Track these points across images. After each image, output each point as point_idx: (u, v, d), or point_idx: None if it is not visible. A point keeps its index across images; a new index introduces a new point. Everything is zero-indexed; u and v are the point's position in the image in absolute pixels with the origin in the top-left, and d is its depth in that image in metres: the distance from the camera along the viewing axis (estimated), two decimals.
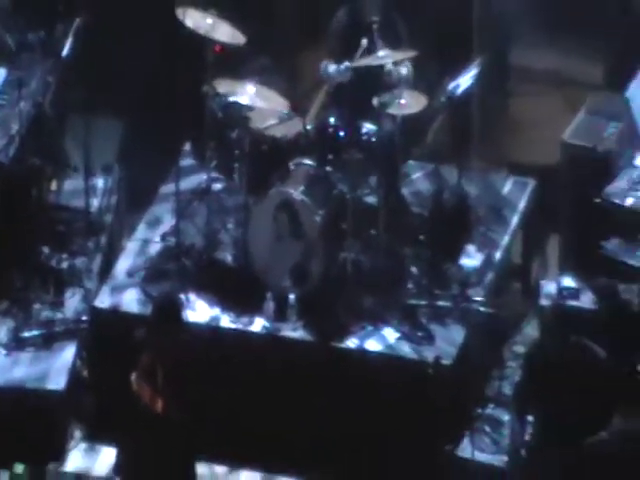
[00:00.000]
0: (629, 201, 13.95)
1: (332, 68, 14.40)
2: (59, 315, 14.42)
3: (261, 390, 13.94)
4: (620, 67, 15.03)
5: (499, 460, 13.33)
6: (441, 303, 14.23)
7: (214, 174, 14.66)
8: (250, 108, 14.38)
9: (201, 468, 13.18)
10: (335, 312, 14.08)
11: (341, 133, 14.29)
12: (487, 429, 13.68)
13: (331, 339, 13.96)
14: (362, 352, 13.93)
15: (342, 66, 14.39)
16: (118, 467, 12.86)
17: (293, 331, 14.04)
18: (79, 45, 14.77)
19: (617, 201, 13.99)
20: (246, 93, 14.44)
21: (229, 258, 14.41)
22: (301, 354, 14.01)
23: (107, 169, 15.28)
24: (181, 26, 14.41)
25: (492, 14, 15.27)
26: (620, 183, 14.06)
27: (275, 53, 15.00)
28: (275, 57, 14.92)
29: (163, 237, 14.72)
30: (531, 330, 14.09)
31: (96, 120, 15.15)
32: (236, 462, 14.02)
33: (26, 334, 14.26)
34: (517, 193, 15.24)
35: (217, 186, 14.71)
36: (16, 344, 14.23)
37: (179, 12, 14.37)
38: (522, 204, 15.17)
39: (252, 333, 14.07)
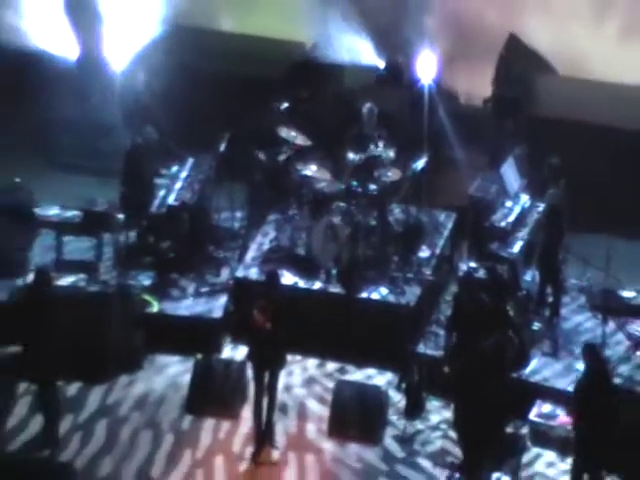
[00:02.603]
0: (502, 224, 13.87)
1: (352, 158, 14.37)
2: (218, 280, 14.25)
3: (319, 318, 13.75)
4: (496, 158, 14.83)
5: (439, 354, 13.13)
6: (409, 275, 14.12)
7: (294, 211, 14.45)
8: (313, 177, 14.27)
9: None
10: (355, 279, 13.95)
11: (358, 190, 14.16)
12: (432, 338, 13.51)
13: (354, 292, 13.90)
14: (369, 299, 13.88)
15: (357, 156, 14.31)
16: (249, 356, 12.79)
17: (335, 289, 13.95)
18: (227, 152, 14.43)
19: (496, 224, 13.89)
20: (311, 170, 14.31)
21: (302, 252, 14.25)
22: (339, 300, 13.89)
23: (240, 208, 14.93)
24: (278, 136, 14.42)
25: (434, 131, 15.01)
26: (498, 215, 13.98)
27: (325, 150, 14.73)
28: (325, 152, 14.67)
29: (270, 242, 14.55)
30: (454, 288, 13.85)
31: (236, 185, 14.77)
32: (305, 353, 13.73)
33: (202, 290, 14.11)
34: (447, 220, 14.98)
35: (296, 216, 14.43)
36: (197, 294, 14.06)
37: (278, 130, 14.38)
38: (450, 225, 14.91)
39: (314, 289, 13.96)
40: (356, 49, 16.03)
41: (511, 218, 13.95)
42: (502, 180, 14.22)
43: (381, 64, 16.14)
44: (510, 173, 14.31)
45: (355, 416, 12.88)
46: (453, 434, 12.72)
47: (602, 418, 11.58)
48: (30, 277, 13.07)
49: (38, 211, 14.23)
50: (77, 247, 14.24)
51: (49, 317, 12.28)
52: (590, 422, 11.62)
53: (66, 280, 13.82)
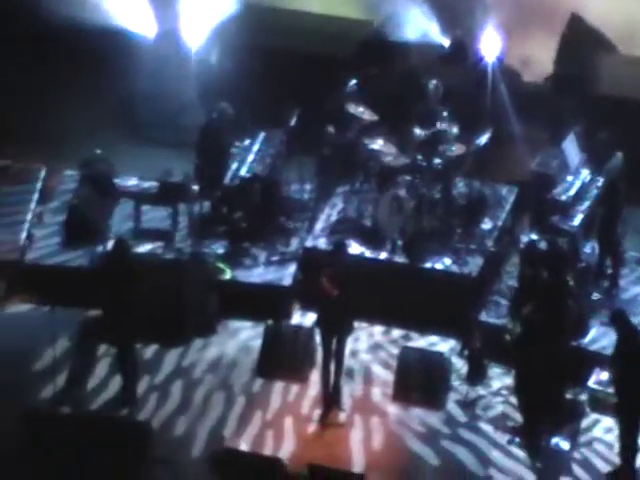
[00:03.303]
0: (563, 198, 13.80)
1: (417, 133, 14.26)
2: (288, 249, 14.17)
3: (384, 287, 13.59)
4: (557, 135, 14.63)
5: (501, 322, 13.15)
6: (471, 246, 14.01)
7: (361, 184, 14.36)
8: (380, 151, 14.18)
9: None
10: (419, 249, 13.85)
11: (423, 164, 14.07)
12: (494, 307, 13.46)
13: (419, 262, 13.82)
14: (433, 269, 13.79)
15: (422, 131, 14.17)
16: (317, 322, 12.75)
17: (400, 258, 13.87)
18: (297, 126, 14.28)
19: (557, 198, 13.79)
20: (378, 144, 14.21)
21: (369, 223, 14.19)
22: (404, 270, 13.79)
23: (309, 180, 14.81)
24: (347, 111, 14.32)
25: (497, 107, 14.78)
26: (559, 189, 13.90)
27: (391, 125, 14.49)
28: (391, 127, 14.46)
29: (338, 213, 14.48)
30: (515, 259, 13.82)
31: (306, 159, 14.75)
32: (371, 320, 13.56)
33: (272, 258, 14.07)
34: (509, 194, 14.77)
35: (363, 189, 14.38)
36: (268, 263, 14.01)
37: (347, 105, 14.31)
38: (511, 199, 14.71)
39: (380, 259, 13.87)
40: (422, 27, 15.84)
41: (572, 192, 13.85)
42: (563, 155, 14.08)
43: (446, 42, 15.93)
44: (571, 149, 14.16)
45: (419, 381, 12.84)
46: (514, 400, 12.63)
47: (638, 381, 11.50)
48: (110, 244, 13.15)
49: (118, 182, 14.27)
50: (154, 216, 14.24)
51: (128, 283, 12.34)
52: (628, 386, 11.57)
53: (143, 247, 13.83)
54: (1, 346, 12.92)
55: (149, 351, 13.20)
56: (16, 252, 13.87)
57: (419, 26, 15.85)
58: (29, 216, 14.26)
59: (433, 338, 13.61)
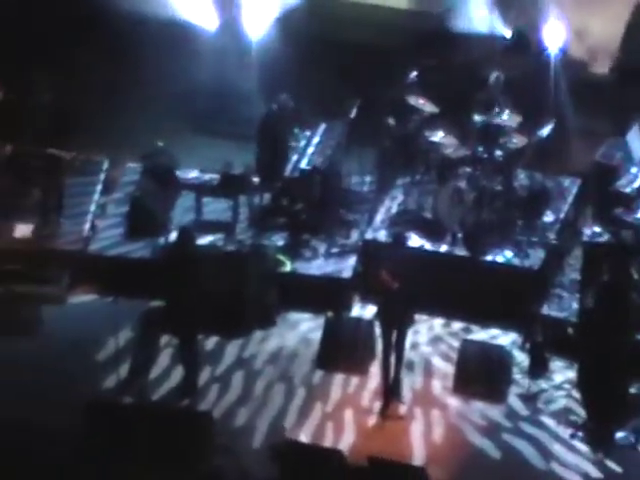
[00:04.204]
0: (627, 190, 13.63)
1: (477, 119, 14.12)
2: (348, 241, 14.08)
3: (445, 280, 13.45)
4: (621, 126, 14.44)
5: (561, 315, 13.12)
6: (533, 239, 13.87)
7: (422, 176, 14.29)
8: (440, 143, 14.11)
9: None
10: (480, 242, 13.75)
11: (484, 155, 13.95)
12: (556, 300, 13.33)
13: (479, 255, 13.73)
14: (494, 262, 13.69)
15: (482, 118, 14.03)
16: (377, 314, 12.68)
17: (461, 251, 13.79)
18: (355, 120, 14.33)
19: (621, 190, 13.65)
20: (438, 136, 14.13)
21: (429, 215, 14.12)
22: (464, 262, 13.71)
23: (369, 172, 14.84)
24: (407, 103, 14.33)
25: (560, 98, 14.67)
26: (623, 181, 13.74)
27: (452, 117, 14.35)
28: (452, 119, 14.29)
29: (398, 205, 14.40)
30: (578, 252, 13.72)
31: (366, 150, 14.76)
32: (431, 312, 13.47)
33: (332, 250, 14.05)
34: (572, 185, 14.60)
35: (423, 181, 14.31)
36: (328, 255, 13.98)
37: (407, 97, 14.29)
38: (574, 191, 14.56)
39: (440, 252, 13.81)
40: (483, 18, 15.67)
41: (636, 184, 13.67)
42: (627, 147, 13.91)
43: (508, 33, 15.75)
44: (636, 140, 13.99)
45: (479, 374, 12.71)
46: (576, 394, 12.48)
47: None
48: (172, 236, 13.14)
49: (179, 174, 14.28)
50: (215, 208, 14.25)
51: (190, 274, 12.32)
52: None
53: (204, 239, 13.80)
54: (64, 336, 13.00)
55: (210, 342, 13.19)
56: (80, 243, 13.95)
57: (480, 16, 15.72)
58: (92, 207, 14.35)
59: (494, 331, 13.48)
